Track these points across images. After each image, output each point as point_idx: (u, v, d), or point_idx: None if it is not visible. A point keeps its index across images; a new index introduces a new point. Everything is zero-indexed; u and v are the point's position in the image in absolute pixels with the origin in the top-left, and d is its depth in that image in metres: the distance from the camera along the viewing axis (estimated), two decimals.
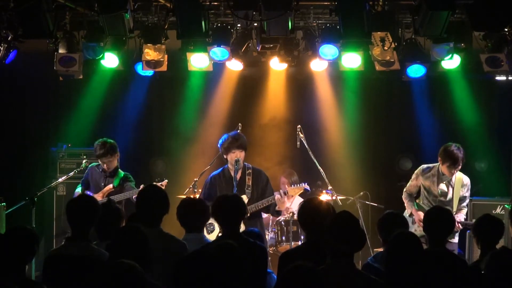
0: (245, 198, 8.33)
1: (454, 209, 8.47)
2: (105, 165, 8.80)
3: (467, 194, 8.64)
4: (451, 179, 8.54)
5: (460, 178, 8.58)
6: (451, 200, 8.54)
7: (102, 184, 8.83)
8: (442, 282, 5.21)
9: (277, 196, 8.34)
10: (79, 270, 5.21)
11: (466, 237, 9.10)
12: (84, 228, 5.45)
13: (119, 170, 8.93)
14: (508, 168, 10.64)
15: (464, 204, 8.64)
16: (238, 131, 8.94)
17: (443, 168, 8.48)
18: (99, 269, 4.26)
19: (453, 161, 8.37)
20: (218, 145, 8.52)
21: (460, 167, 8.43)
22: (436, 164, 8.58)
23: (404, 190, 8.81)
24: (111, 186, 8.75)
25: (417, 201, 8.75)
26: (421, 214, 8.38)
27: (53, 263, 5.35)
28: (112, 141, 8.83)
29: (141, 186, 8.16)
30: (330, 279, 4.64)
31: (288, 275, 4.19)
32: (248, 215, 8.05)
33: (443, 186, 8.58)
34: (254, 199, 8.38)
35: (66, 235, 6.04)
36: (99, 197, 8.59)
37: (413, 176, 8.77)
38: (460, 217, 8.53)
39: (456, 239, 8.58)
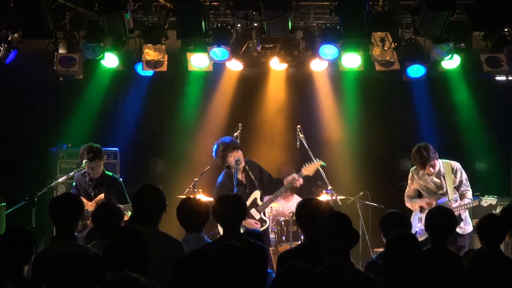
0: (258, 193, 8.73)
1: (450, 197, 8.55)
2: (92, 170, 8.67)
3: (463, 177, 8.70)
4: (440, 171, 8.62)
5: (448, 165, 8.67)
6: (447, 190, 8.59)
7: (92, 194, 8.72)
8: (442, 282, 5.22)
9: (292, 176, 8.80)
10: (67, 268, 5.27)
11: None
12: (69, 226, 5.49)
13: (106, 173, 8.87)
14: (508, 168, 10.66)
15: (464, 188, 8.67)
16: (236, 133, 9.06)
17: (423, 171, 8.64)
18: None
19: (419, 163, 8.55)
20: (214, 156, 8.72)
21: (433, 162, 8.52)
22: None
23: (405, 195, 8.88)
24: (102, 196, 8.67)
25: None
26: (427, 200, 8.53)
27: (41, 263, 5.34)
28: (98, 145, 8.78)
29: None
30: (330, 279, 4.66)
31: (283, 275, 4.22)
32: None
33: (435, 179, 8.63)
34: (262, 189, 8.80)
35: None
36: (92, 206, 8.39)
37: (409, 181, 8.85)
38: (466, 201, 8.61)
39: (469, 228, 8.59)
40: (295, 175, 8.81)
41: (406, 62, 8.96)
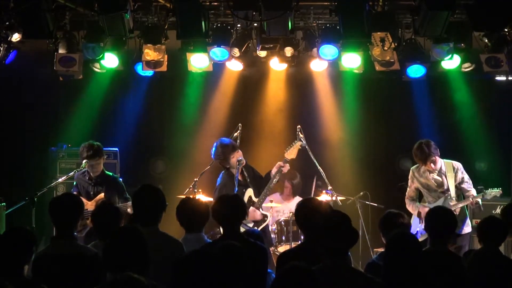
0: (251, 191, 8.80)
1: (453, 195, 8.54)
2: (92, 168, 8.68)
3: (464, 175, 8.67)
4: (441, 169, 8.60)
5: (450, 164, 8.66)
6: (449, 188, 8.57)
7: (92, 193, 8.73)
8: (442, 282, 5.22)
9: (278, 164, 8.82)
10: (67, 268, 5.27)
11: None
12: (69, 226, 5.48)
13: (105, 172, 8.87)
14: (508, 168, 10.66)
15: (467, 186, 8.64)
16: (236, 133, 9.08)
17: (424, 168, 8.60)
18: None
19: (420, 158, 8.53)
20: (213, 158, 8.72)
21: (434, 157, 8.51)
22: None
23: (406, 197, 8.84)
24: (102, 195, 8.67)
25: (422, 203, 8.76)
26: (426, 209, 8.50)
27: (41, 263, 5.33)
28: (98, 143, 8.79)
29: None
30: (328, 278, 4.66)
31: (283, 275, 4.22)
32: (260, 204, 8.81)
33: (436, 177, 8.62)
34: (257, 187, 8.87)
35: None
36: (92, 206, 8.42)
37: (409, 181, 8.82)
38: (471, 197, 8.56)
39: (467, 229, 8.57)
40: (280, 163, 8.84)
41: (406, 62, 8.96)
